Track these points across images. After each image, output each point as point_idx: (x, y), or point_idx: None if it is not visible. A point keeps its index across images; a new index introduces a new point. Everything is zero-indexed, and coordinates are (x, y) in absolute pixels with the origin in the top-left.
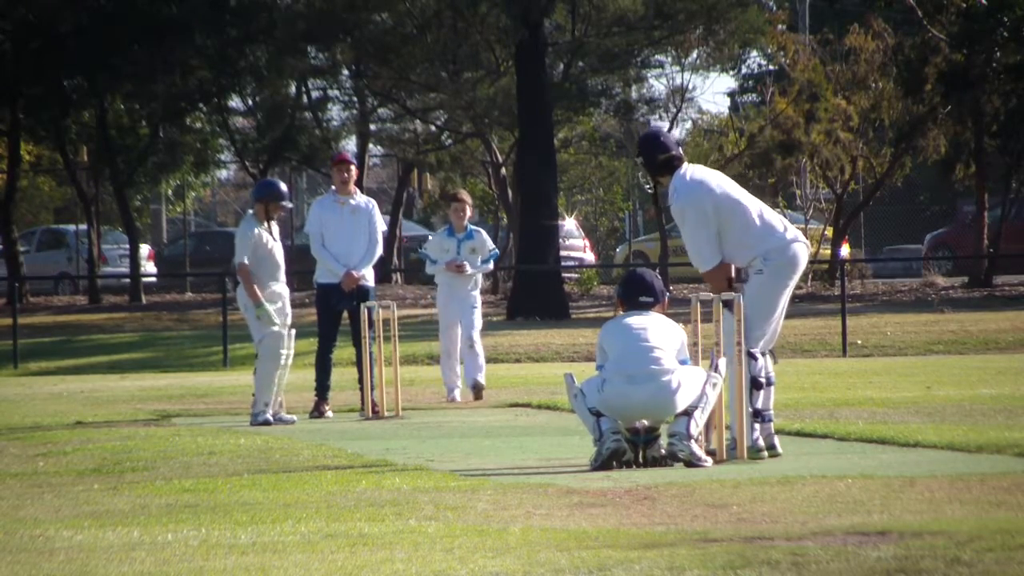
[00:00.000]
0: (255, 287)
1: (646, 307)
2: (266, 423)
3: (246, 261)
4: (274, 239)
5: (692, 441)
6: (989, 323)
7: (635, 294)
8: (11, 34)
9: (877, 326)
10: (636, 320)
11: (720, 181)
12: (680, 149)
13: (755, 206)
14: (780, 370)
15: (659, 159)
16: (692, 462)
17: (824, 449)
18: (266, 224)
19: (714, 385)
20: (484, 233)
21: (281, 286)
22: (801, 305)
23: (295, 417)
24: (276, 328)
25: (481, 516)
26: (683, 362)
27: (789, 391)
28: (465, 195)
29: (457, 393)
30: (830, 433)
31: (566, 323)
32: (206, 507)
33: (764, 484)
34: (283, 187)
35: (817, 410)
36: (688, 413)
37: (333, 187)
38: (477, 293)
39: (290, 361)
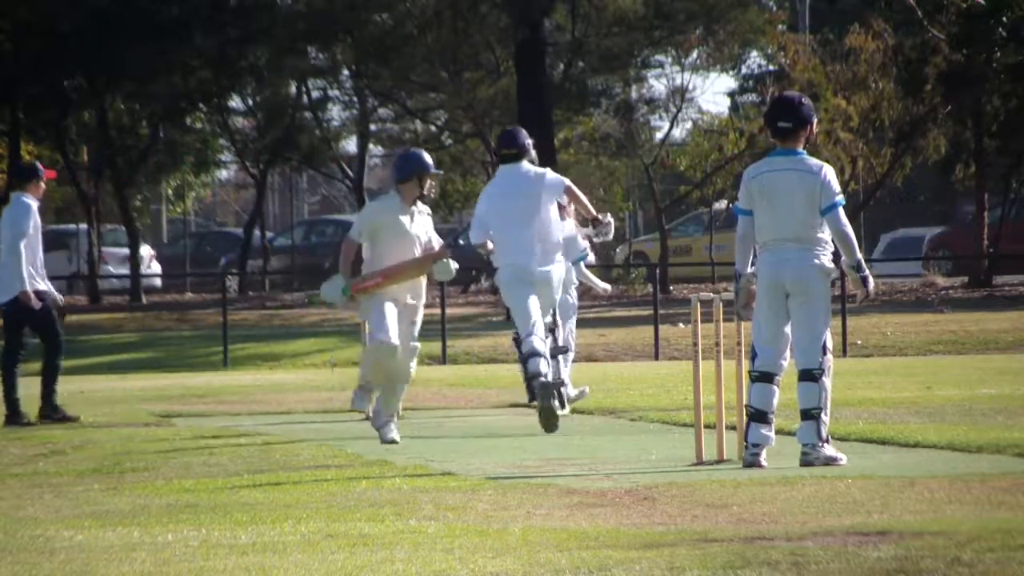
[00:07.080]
0: (348, 267)
1: (784, 133)
2: (392, 442)
3: (352, 236)
4: (413, 223)
5: (824, 445)
6: (989, 323)
7: (774, 118)
8: (11, 34)
9: (877, 326)
10: (780, 184)
11: None
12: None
13: None
14: None
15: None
16: (829, 465)
17: None
18: (409, 206)
19: (828, 369)
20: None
21: (414, 289)
22: None
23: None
24: (389, 336)
25: (481, 516)
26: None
27: (789, 391)
28: None
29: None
30: (830, 433)
31: None
32: (206, 507)
33: (764, 484)
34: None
35: None
36: (814, 417)
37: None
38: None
39: (411, 375)
